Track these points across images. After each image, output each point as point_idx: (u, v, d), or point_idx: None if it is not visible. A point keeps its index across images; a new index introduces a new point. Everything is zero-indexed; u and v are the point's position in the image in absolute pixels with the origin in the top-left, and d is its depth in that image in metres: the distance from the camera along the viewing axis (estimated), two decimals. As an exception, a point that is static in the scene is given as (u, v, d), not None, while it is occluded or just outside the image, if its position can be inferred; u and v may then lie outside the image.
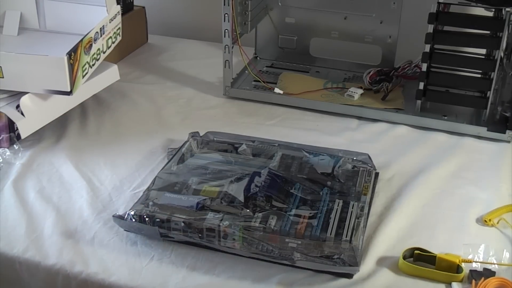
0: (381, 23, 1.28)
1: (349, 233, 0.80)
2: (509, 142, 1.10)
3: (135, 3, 1.49)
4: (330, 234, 0.80)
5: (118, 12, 1.20)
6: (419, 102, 1.16)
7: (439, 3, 1.08)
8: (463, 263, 0.78)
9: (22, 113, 1.02)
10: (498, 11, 1.09)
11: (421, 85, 1.14)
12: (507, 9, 1.05)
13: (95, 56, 1.11)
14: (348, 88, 1.24)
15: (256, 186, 0.87)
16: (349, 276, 0.78)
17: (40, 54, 1.02)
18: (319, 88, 1.26)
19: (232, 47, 1.23)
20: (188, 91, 1.30)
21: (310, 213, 0.83)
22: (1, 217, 0.89)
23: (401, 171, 1.01)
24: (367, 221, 0.86)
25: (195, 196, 0.86)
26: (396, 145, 1.10)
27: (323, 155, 0.97)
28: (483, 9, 1.11)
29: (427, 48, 1.11)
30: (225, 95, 1.27)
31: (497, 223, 0.88)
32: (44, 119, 1.08)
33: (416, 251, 0.80)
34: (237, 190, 0.87)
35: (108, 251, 0.83)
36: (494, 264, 0.79)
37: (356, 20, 1.30)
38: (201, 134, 1.04)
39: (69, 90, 1.02)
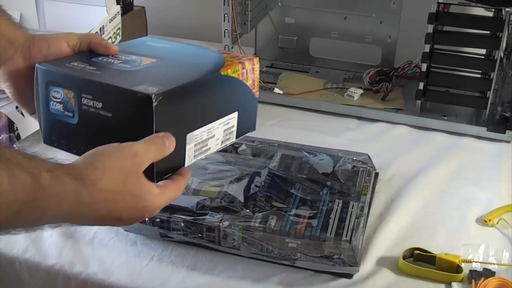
0: (381, 23, 1.28)
1: (349, 233, 0.80)
2: (509, 142, 1.11)
3: (135, 3, 1.49)
4: (330, 234, 0.80)
5: (118, 12, 1.20)
6: (419, 102, 1.16)
7: (439, 3, 1.08)
8: (463, 263, 0.78)
9: (22, 113, 1.02)
10: (498, 11, 1.09)
11: (421, 85, 1.14)
12: (507, 9, 1.05)
13: (95, 56, 1.11)
14: (348, 88, 1.24)
15: (256, 186, 0.87)
16: (349, 276, 0.78)
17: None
18: (319, 88, 1.26)
19: (232, 47, 1.23)
20: (188, 91, 1.30)
21: (310, 213, 0.83)
22: (1, 217, 0.89)
23: (401, 171, 1.01)
24: (367, 221, 0.86)
25: (195, 196, 0.86)
26: (396, 145, 1.10)
27: (323, 155, 0.97)
28: (483, 9, 1.11)
29: (427, 48, 1.11)
30: (225, 95, 1.27)
31: (497, 223, 0.88)
32: (44, 119, 1.08)
33: (416, 251, 0.80)
34: (237, 190, 0.87)
35: (108, 251, 0.83)
36: (494, 264, 0.79)
37: (356, 20, 1.30)
38: (201, 134, 1.03)
39: (69, 90, 1.02)
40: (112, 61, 0.67)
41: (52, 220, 0.52)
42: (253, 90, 0.71)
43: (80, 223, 0.54)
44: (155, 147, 0.57)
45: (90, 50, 0.68)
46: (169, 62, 0.68)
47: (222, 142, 0.69)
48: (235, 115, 0.69)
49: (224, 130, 0.68)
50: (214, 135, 0.66)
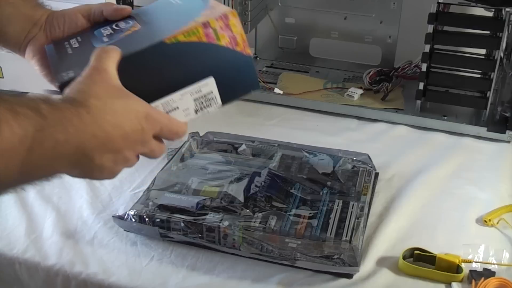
0: (381, 23, 1.28)
1: (349, 233, 0.80)
2: (509, 142, 1.11)
3: (135, 3, 1.49)
4: (330, 234, 0.80)
5: (118, 12, 1.20)
6: (419, 102, 1.16)
7: (439, 3, 1.08)
8: (463, 263, 0.78)
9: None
10: (498, 11, 1.09)
11: (421, 85, 1.14)
12: (507, 9, 1.05)
13: (95, 56, 1.11)
14: (348, 88, 1.24)
15: (256, 186, 0.87)
16: (349, 276, 0.78)
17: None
18: (319, 88, 1.26)
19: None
20: (188, 91, 1.30)
21: (310, 213, 0.83)
22: (1, 217, 0.89)
23: (401, 171, 1.01)
24: (367, 221, 0.86)
25: (195, 196, 0.86)
26: (396, 145, 1.10)
27: (323, 155, 0.97)
28: (483, 9, 1.11)
29: (427, 48, 1.11)
30: (225, 95, 1.27)
31: (497, 223, 0.88)
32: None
33: (416, 251, 0.80)
34: (237, 190, 0.87)
35: (108, 251, 0.83)
36: (494, 264, 0.79)
37: (356, 20, 1.30)
38: (201, 134, 1.04)
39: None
40: (106, 32, 0.66)
41: (66, 148, 0.51)
42: (237, 48, 0.63)
43: (93, 147, 0.53)
44: (106, 50, 0.58)
45: (105, 19, 0.69)
46: (142, 30, 0.64)
47: (197, 111, 0.64)
48: (209, 80, 0.63)
49: (196, 99, 0.63)
50: (178, 107, 0.62)
